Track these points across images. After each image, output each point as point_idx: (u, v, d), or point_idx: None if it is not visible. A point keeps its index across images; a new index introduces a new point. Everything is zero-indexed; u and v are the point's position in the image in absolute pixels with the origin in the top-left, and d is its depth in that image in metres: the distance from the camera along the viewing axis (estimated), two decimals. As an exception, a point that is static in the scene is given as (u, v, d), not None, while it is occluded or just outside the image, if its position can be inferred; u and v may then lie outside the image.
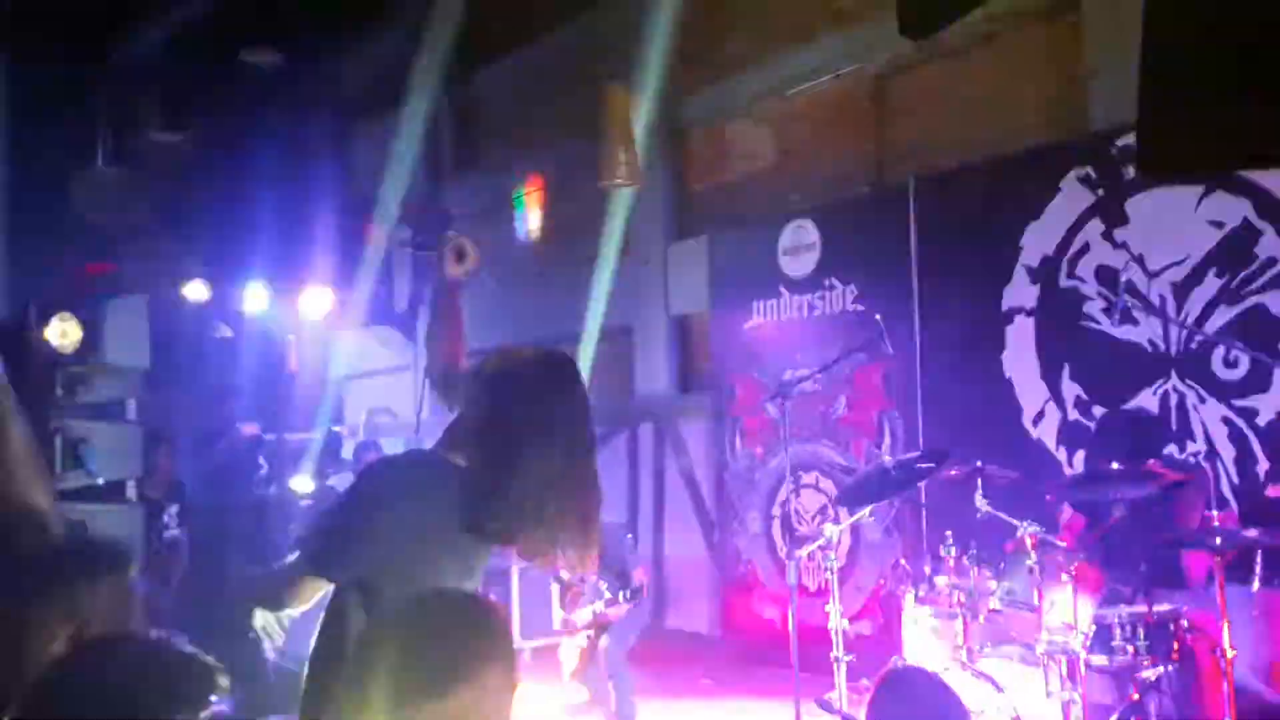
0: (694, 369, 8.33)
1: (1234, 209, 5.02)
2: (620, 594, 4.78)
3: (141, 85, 8.54)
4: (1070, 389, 5.63)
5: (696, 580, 7.80)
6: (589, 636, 4.87)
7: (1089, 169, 5.60)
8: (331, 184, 9.47)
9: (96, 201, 7.48)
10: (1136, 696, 3.90)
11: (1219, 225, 5.08)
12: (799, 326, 7.06)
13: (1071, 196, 5.68)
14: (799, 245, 7.12)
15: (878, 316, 5.47)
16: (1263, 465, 4.84)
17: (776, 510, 7.14)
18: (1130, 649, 3.92)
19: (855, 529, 6.48)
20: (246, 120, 8.83)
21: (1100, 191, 5.56)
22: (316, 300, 7.65)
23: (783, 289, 7.19)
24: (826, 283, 6.91)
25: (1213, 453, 5.00)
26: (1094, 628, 4.01)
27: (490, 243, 10.31)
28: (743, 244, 7.60)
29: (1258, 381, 4.91)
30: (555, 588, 5.44)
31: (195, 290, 7.18)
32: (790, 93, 7.70)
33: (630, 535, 7.94)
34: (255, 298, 7.36)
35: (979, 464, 4.28)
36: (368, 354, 10.18)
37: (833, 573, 4.60)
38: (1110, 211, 5.51)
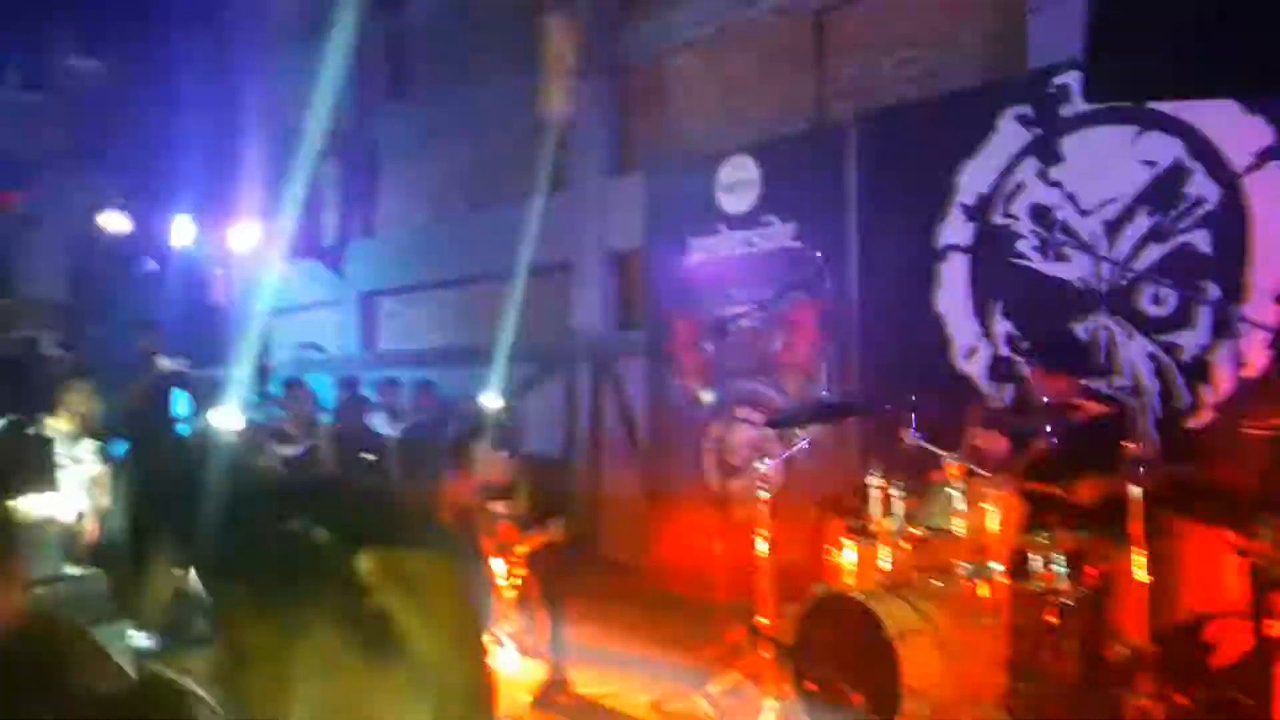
0: (632, 306, 8.28)
1: (1166, 149, 5.05)
2: (550, 523, 4.77)
3: (56, 10, 8.17)
4: (1001, 325, 5.68)
5: (631, 514, 7.82)
6: (524, 566, 4.87)
7: (1027, 107, 5.60)
8: (259, 115, 9.18)
9: (7, 127, 7.16)
10: (1054, 619, 4.00)
11: (1151, 164, 5.12)
12: (738, 263, 7.02)
13: (1008, 134, 5.68)
14: (738, 182, 7.06)
15: (818, 253, 5.46)
16: (1184, 399, 4.94)
17: (711, 445, 7.16)
18: (1049, 573, 4.02)
19: (788, 461, 6.53)
20: (169, 48, 8.50)
21: (1037, 130, 5.57)
22: (245, 234, 7.43)
23: (721, 226, 7.14)
24: (765, 219, 6.87)
25: (1137, 387, 5.09)
26: (1015, 553, 4.09)
27: (422, 177, 10.14)
28: (681, 180, 7.52)
29: (1183, 318, 4.99)
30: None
31: (114, 221, 6.92)
32: (729, 26, 7.59)
33: (566, 469, 7.96)
34: (182, 231, 7.12)
35: (911, 399, 4.31)
36: (295, 288, 9.95)
37: (764, 504, 4.62)
38: (1046, 150, 5.53)
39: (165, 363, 7.07)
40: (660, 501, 7.53)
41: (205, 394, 7.43)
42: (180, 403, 7.55)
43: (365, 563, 1.05)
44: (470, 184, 9.67)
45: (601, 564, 7.76)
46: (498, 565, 4.79)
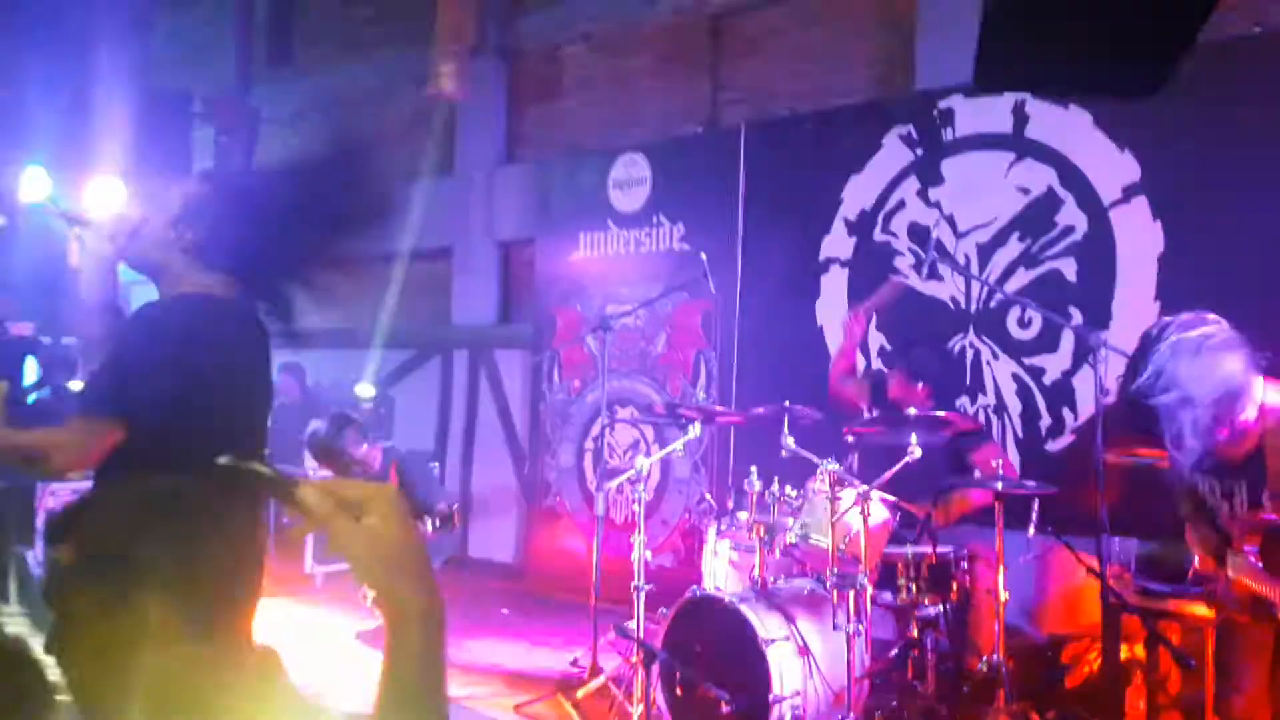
0: (515, 298, 8.16)
1: (1040, 177, 5.25)
2: (429, 522, 4.64)
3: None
4: (875, 338, 5.82)
5: (503, 512, 7.71)
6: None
7: (910, 128, 5.75)
8: (128, 72, 8.67)
9: None
10: (915, 632, 4.10)
11: (1025, 191, 5.31)
12: (625, 261, 7.00)
13: (892, 153, 5.82)
14: (630, 179, 7.03)
15: (702, 255, 5.48)
16: (1045, 421, 5.15)
17: (589, 444, 7.12)
18: (913, 587, 4.11)
19: (665, 465, 6.56)
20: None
21: (919, 150, 5.71)
22: (105, 191, 6.98)
23: (611, 222, 7.10)
24: (655, 219, 6.87)
25: (1001, 406, 5.28)
26: (881, 565, 4.18)
27: (302, 150, 9.77)
28: (573, 173, 7.45)
29: (1048, 342, 5.20)
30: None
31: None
32: (628, 23, 7.54)
33: (435, 464, 7.78)
34: (34, 184, 6.64)
35: (786, 403, 4.34)
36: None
37: (640, 504, 4.60)
38: (926, 171, 5.68)
39: (15, 328, 6.60)
40: (535, 500, 7.46)
41: (57, 364, 6.99)
42: (30, 372, 7.07)
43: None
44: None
45: (470, 565, 7.64)
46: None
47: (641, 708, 3.97)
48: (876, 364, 5.77)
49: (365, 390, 7.90)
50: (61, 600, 1.17)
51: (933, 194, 5.65)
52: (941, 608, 4.10)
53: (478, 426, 8.01)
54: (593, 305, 7.02)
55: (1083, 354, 4.92)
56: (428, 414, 8.24)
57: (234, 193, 2.44)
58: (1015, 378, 5.29)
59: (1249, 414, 2.66)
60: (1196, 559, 2.89)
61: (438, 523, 4.66)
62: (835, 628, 3.84)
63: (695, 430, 4.73)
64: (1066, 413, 5.08)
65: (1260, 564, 2.76)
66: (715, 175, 6.49)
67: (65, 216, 4.96)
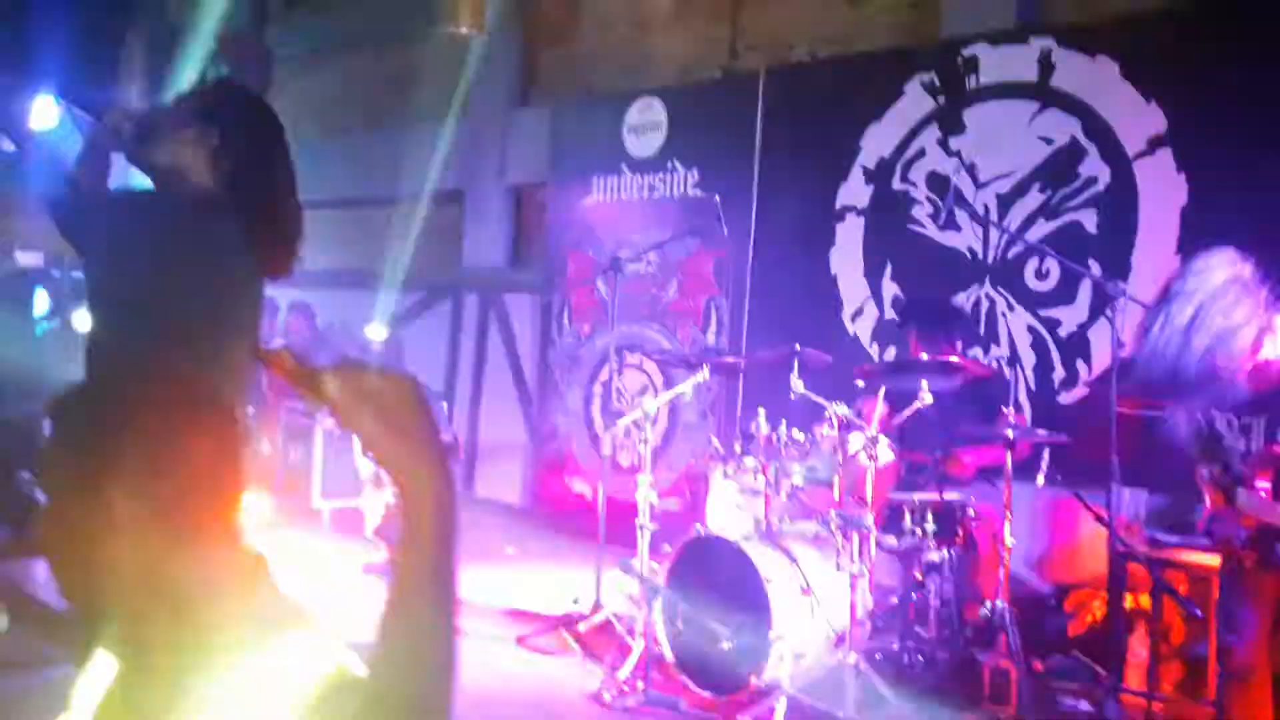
0: (526, 242, 8.11)
1: (1064, 126, 5.15)
2: None
3: None
4: (889, 288, 5.76)
5: (510, 454, 7.72)
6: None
7: (933, 75, 5.64)
8: (143, 6, 8.58)
9: None
10: (920, 576, 4.09)
11: (1049, 141, 5.21)
12: (638, 207, 6.93)
13: (913, 101, 5.71)
14: (645, 124, 6.94)
15: (716, 197, 5.42)
16: (1059, 373, 5.10)
17: (598, 388, 7.10)
18: (918, 532, 4.10)
19: (673, 410, 6.54)
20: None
21: (941, 99, 5.61)
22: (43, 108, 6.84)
23: (625, 167, 7.03)
24: (669, 164, 6.79)
25: (1015, 358, 5.22)
26: (887, 509, 4.16)
27: (314, 90, 9.68)
28: (588, 117, 7.36)
29: (1065, 294, 5.13)
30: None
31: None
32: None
33: (444, 404, 7.78)
34: (45, 112, 6.59)
35: (796, 346, 4.30)
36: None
37: (647, 444, 4.58)
38: (948, 119, 5.58)
39: (24, 257, 6.58)
40: (542, 443, 7.46)
41: (66, 296, 6.98)
42: (40, 301, 7.07)
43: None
44: (365, 101, 9.28)
45: (477, 506, 7.66)
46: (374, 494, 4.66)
47: (643, 642, 3.98)
48: (890, 314, 5.72)
49: (376, 331, 7.87)
50: (43, 481, 1.17)
51: (954, 143, 5.56)
52: (946, 553, 4.08)
53: (486, 369, 8.00)
54: (604, 251, 6.95)
55: (1100, 306, 4.85)
56: (437, 356, 8.23)
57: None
58: (1030, 329, 5.23)
59: (1269, 350, 2.63)
60: (1206, 498, 2.85)
61: None
62: (839, 569, 3.83)
63: (704, 374, 4.69)
64: (1081, 365, 5.02)
65: (1271, 498, 2.73)
66: (732, 121, 6.40)
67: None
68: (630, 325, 6.90)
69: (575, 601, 4.83)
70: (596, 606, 4.66)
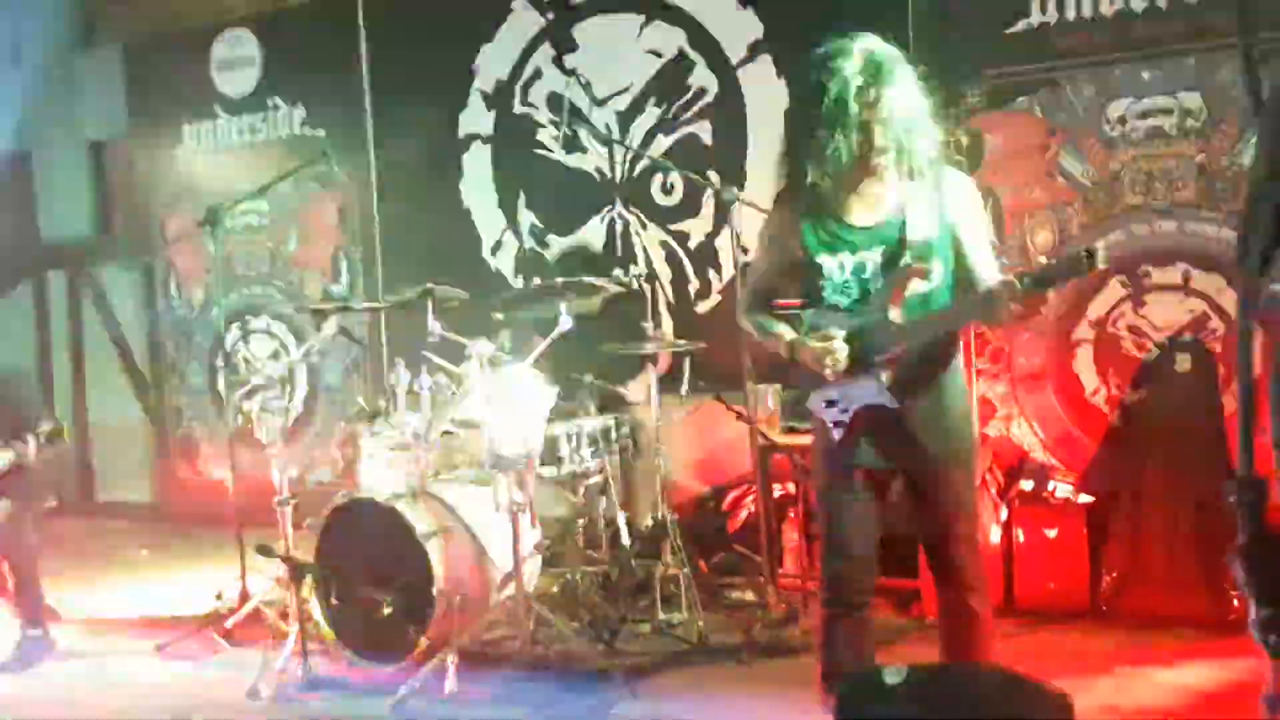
0: (115, 205, 7.09)
1: (670, 38, 5.17)
2: (32, 440, 3.87)
3: None
4: (526, 217, 5.60)
5: (130, 448, 6.84)
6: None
7: (538, -11, 5.46)
8: None
9: None
10: (583, 500, 4.02)
11: (658, 55, 5.22)
12: (241, 153, 6.27)
13: (522, 18, 5.52)
14: (236, 59, 6.26)
15: (321, 135, 4.95)
16: (693, 284, 5.19)
17: (221, 361, 6.39)
18: (576, 458, 4.01)
19: (312, 374, 6.06)
20: None
21: (549, 15, 5.46)
22: None
23: (219, 110, 6.31)
24: (270, 103, 6.17)
25: (653, 274, 5.26)
26: (546, 441, 4.03)
27: None
28: (168, 56, 6.52)
29: (690, 208, 5.20)
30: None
31: None
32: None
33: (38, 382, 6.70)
34: None
35: (428, 284, 4.01)
36: None
37: (275, 413, 4.11)
38: (559, 36, 5.45)
39: None
40: (165, 431, 6.67)
41: None
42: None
43: None
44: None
45: (101, 510, 6.75)
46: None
47: (298, 625, 3.60)
48: (529, 244, 5.56)
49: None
50: None
51: (568, 61, 5.44)
52: (605, 475, 4.03)
53: (86, 356, 7.00)
54: (206, 204, 6.23)
55: (723, 216, 4.96)
56: (24, 347, 7.08)
57: None
58: (663, 245, 5.28)
59: None
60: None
61: (43, 439, 3.91)
62: (498, 508, 3.64)
63: (331, 327, 4.30)
64: (712, 274, 5.14)
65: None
66: (333, 48, 5.92)
67: None
68: (250, 286, 6.28)
69: (219, 597, 4.32)
70: (244, 598, 4.19)
